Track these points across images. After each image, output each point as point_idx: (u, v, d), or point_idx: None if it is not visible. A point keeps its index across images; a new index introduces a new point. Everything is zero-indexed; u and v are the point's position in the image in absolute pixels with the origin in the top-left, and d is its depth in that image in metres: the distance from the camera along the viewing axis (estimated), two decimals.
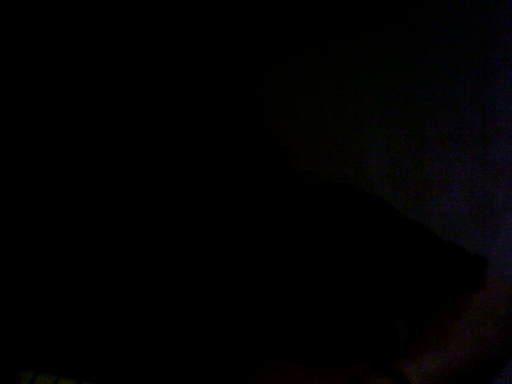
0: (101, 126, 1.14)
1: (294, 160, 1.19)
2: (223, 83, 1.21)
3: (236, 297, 1.09)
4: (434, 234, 1.14)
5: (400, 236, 1.13)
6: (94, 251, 1.12)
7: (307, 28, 2.20)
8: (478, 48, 2.15)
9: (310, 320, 1.09)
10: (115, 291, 1.10)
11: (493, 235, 2.15)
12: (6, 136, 1.15)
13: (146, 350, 1.06)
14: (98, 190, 1.14)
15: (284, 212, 1.14)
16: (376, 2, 2.18)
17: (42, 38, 1.13)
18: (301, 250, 1.12)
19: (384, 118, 2.19)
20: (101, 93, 1.14)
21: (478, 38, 2.14)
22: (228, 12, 2.00)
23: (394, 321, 1.14)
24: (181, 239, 1.13)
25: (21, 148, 1.14)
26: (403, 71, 2.19)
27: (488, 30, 2.14)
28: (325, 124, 2.18)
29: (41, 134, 1.14)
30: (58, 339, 1.08)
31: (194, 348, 1.06)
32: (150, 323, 1.08)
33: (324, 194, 1.16)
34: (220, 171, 1.15)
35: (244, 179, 1.15)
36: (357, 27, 2.19)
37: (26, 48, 1.14)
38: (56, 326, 1.09)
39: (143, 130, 1.14)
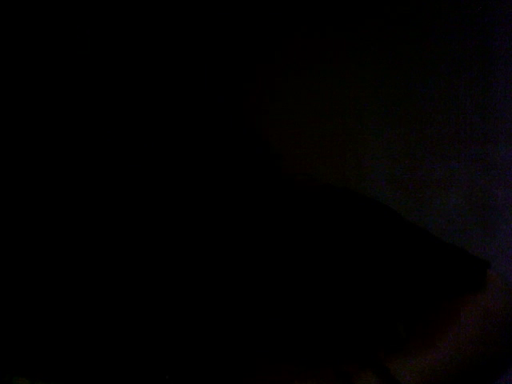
0: (98, 126, 1.14)
1: (284, 163, 1.19)
2: (215, 83, 1.21)
3: (230, 298, 1.09)
4: (435, 237, 1.14)
5: (400, 239, 1.13)
6: (90, 250, 1.12)
7: (305, 26, 2.20)
8: (479, 48, 2.14)
9: (307, 320, 1.09)
10: (111, 291, 1.10)
11: (493, 235, 2.15)
12: (5, 136, 1.15)
13: (142, 351, 1.06)
14: (95, 189, 1.14)
15: (283, 215, 1.14)
16: (376, 1, 2.18)
17: (39, 38, 1.13)
18: (298, 251, 1.12)
19: (384, 117, 2.19)
20: (97, 93, 1.14)
21: (478, 38, 2.14)
22: (218, 12, 1.99)
23: (397, 324, 1.14)
24: (177, 241, 1.13)
25: (19, 148, 1.14)
26: (403, 71, 2.18)
27: (488, 30, 2.14)
28: (324, 124, 2.18)
29: (39, 133, 1.14)
30: (52, 342, 1.08)
31: (188, 348, 1.06)
32: (147, 324, 1.08)
33: (323, 199, 1.16)
34: (216, 175, 1.15)
35: (239, 182, 1.15)
36: (356, 26, 2.19)
37: (24, 48, 1.14)
38: (49, 328, 1.09)
39: (139, 131, 1.14)
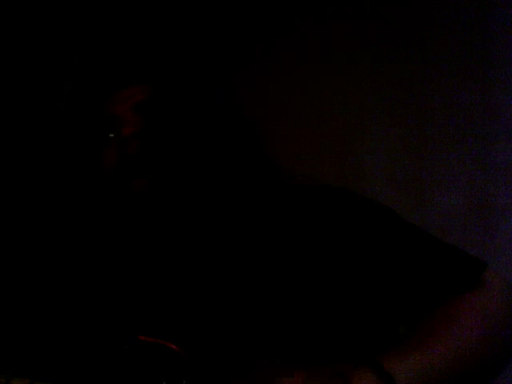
0: (98, 126, 1.14)
1: (284, 163, 1.19)
2: (215, 84, 1.21)
3: (230, 298, 1.09)
4: (433, 237, 1.14)
5: (400, 240, 1.13)
6: (89, 252, 1.13)
7: (305, 26, 2.20)
8: (479, 48, 2.14)
9: (307, 321, 1.09)
10: (111, 293, 1.11)
11: (493, 235, 2.15)
12: (5, 135, 1.15)
13: (142, 352, 1.06)
14: (95, 189, 1.14)
15: (283, 215, 1.15)
16: (376, 1, 2.18)
17: (39, 38, 1.14)
18: (298, 252, 1.12)
19: (384, 117, 2.19)
20: (97, 93, 1.14)
21: (478, 38, 2.14)
22: (218, 12, 1.99)
23: (397, 326, 1.14)
24: (177, 241, 1.13)
25: (25, 152, 1.14)
26: (404, 71, 2.19)
27: (489, 30, 2.14)
28: (324, 124, 2.18)
29: (39, 133, 1.14)
30: (51, 343, 1.08)
31: (187, 348, 1.06)
32: (147, 324, 1.08)
33: (323, 199, 1.16)
34: (216, 176, 1.15)
35: (239, 182, 1.16)
36: (356, 25, 2.19)
37: (24, 48, 1.14)
38: (48, 329, 1.09)
39: (138, 131, 1.14)
